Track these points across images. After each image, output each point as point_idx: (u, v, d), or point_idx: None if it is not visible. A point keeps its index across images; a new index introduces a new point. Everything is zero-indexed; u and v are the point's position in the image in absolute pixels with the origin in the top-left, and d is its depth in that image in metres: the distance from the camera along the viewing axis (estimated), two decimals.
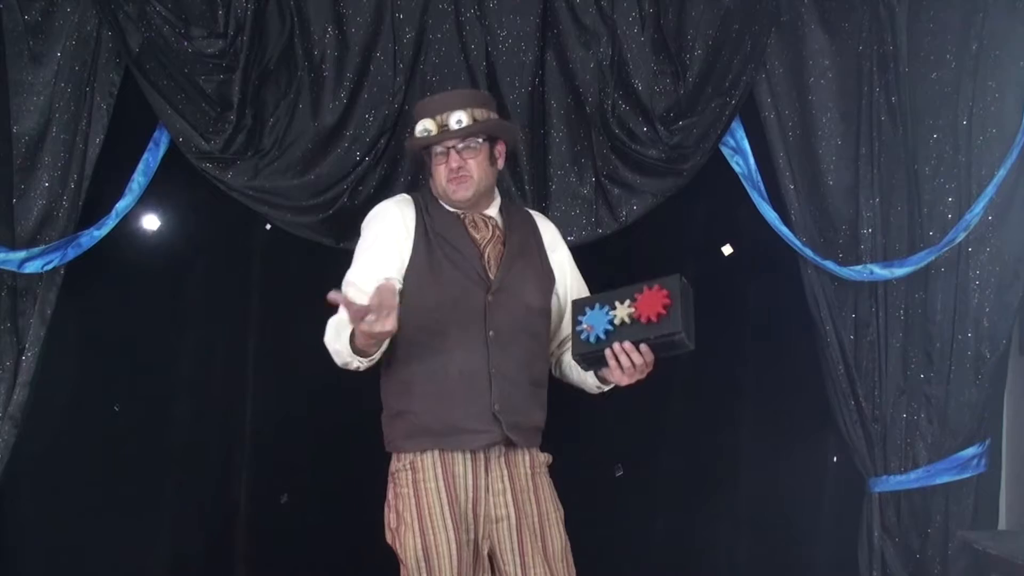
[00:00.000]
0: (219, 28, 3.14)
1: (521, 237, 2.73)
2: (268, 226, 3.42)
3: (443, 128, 2.61)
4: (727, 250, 3.63)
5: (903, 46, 3.29)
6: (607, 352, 2.49)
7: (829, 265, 3.28)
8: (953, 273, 3.33)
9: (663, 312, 2.45)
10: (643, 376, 2.54)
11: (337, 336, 2.49)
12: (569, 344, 2.77)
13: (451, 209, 2.68)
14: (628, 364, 2.49)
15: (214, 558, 3.63)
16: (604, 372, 2.58)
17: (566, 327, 2.78)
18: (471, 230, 2.67)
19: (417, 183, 3.16)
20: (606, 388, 2.71)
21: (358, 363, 2.50)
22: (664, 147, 3.25)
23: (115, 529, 3.46)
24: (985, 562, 3.16)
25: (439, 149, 2.63)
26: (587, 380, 2.72)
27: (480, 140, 2.64)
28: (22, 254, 3.06)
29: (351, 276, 2.58)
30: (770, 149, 3.30)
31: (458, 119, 2.62)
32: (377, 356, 2.51)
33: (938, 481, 3.34)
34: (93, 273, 3.27)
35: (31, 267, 3.08)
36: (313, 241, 3.25)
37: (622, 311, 2.50)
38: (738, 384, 3.74)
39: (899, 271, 3.28)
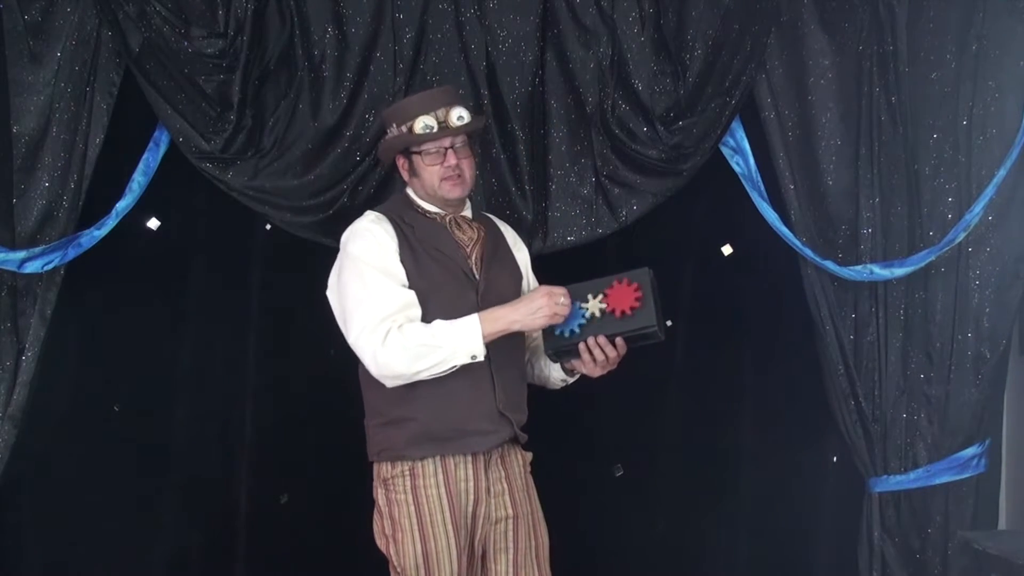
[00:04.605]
0: (219, 28, 3.14)
1: (494, 237, 2.76)
2: (268, 226, 3.42)
3: (444, 125, 2.60)
4: (727, 250, 3.63)
5: (903, 46, 3.28)
6: (581, 346, 2.54)
7: (829, 265, 3.27)
8: (953, 273, 3.33)
9: (636, 305, 2.52)
10: (614, 367, 2.58)
11: (445, 335, 2.46)
12: (532, 348, 2.80)
13: (433, 211, 2.67)
14: (602, 357, 2.54)
15: (214, 558, 3.62)
16: (574, 364, 2.61)
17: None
18: (456, 232, 2.67)
19: None
20: (571, 380, 2.74)
21: (473, 357, 2.47)
22: (664, 147, 3.25)
23: (115, 529, 3.45)
24: (985, 562, 3.16)
25: (432, 148, 2.59)
26: (552, 375, 2.75)
27: (467, 140, 2.65)
28: (22, 254, 3.06)
29: (395, 300, 2.50)
30: (770, 149, 3.29)
31: (459, 115, 2.60)
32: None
33: (938, 481, 3.34)
34: (93, 273, 3.27)
35: (31, 267, 3.07)
36: (313, 241, 3.25)
37: (594, 305, 2.55)
38: (738, 384, 3.73)
39: (899, 271, 3.28)
